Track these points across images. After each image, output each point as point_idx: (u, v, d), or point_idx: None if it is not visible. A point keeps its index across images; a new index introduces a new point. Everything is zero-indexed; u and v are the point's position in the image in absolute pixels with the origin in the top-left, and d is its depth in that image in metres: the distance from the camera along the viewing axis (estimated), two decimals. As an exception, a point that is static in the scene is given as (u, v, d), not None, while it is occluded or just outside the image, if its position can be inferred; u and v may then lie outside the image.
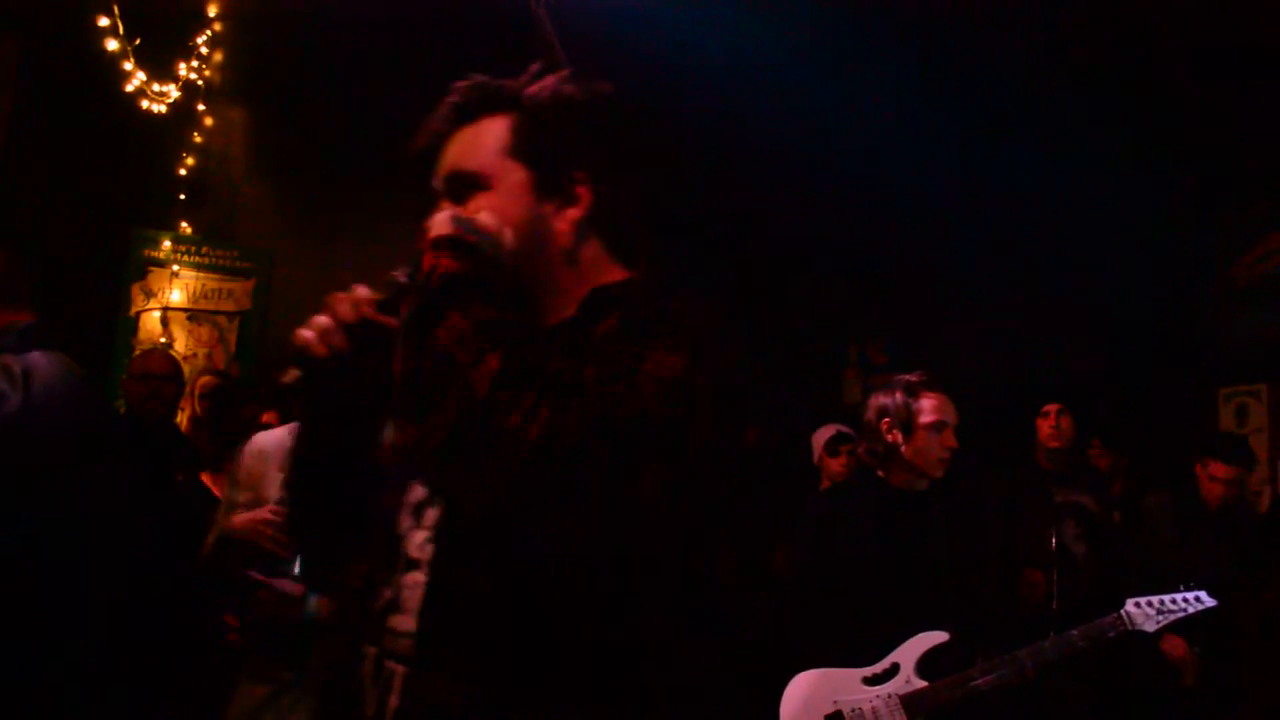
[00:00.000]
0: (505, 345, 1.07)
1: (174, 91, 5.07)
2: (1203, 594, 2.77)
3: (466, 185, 1.29)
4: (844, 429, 4.61)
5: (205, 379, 4.51)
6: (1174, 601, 2.73)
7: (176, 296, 5.16)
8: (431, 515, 1.25)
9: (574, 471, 1.03)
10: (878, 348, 6.39)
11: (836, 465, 4.58)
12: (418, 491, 1.28)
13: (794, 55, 4.84)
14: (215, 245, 5.26)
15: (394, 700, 1.16)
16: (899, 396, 2.93)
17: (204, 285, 5.22)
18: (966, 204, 5.55)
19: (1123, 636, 2.71)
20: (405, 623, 1.20)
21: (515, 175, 1.28)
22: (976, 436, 3.20)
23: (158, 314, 5.12)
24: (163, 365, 4.20)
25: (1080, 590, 3.94)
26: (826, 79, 4.87)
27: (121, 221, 5.12)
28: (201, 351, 5.16)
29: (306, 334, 1.26)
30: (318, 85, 5.37)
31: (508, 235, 1.25)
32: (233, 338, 5.21)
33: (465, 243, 1.20)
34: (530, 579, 1.13)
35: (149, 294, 5.13)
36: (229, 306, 5.24)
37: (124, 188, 5.07)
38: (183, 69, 5.14)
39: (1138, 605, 2.72)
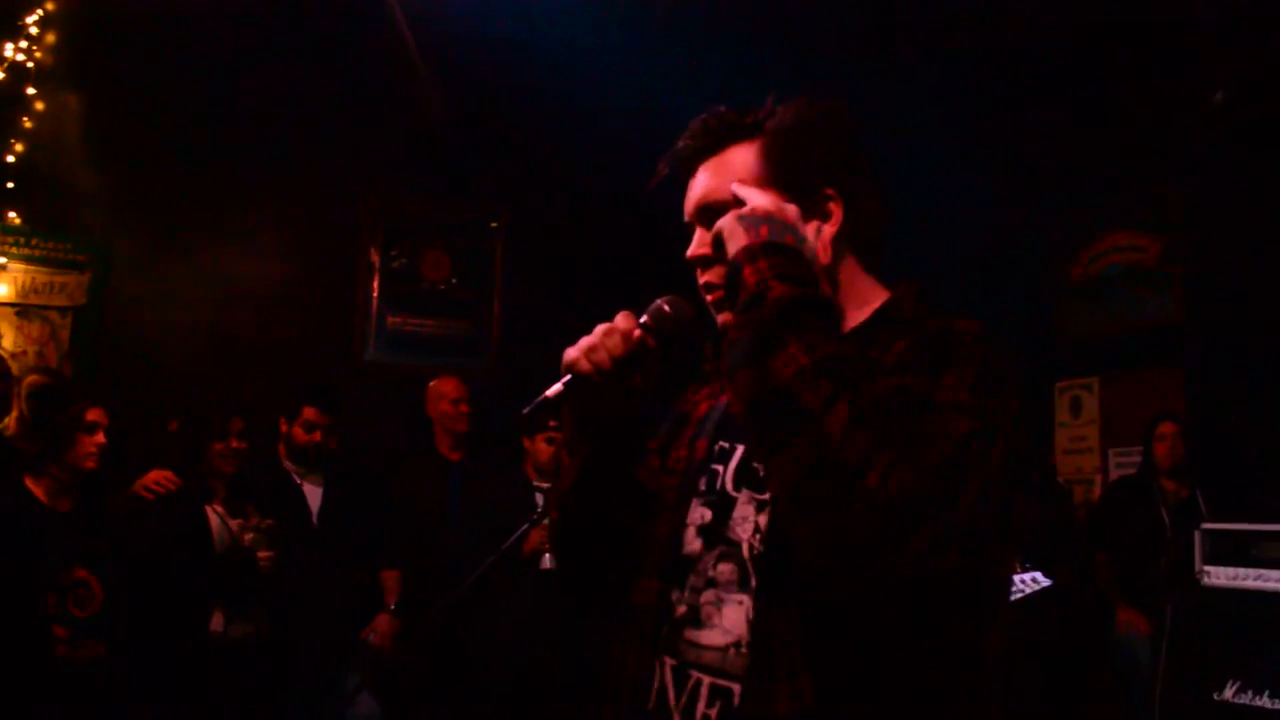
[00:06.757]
0: (851, 389, 1.05)
1: (-1, 73, 4.79)
2: (1038, 574, 2.88)
3: (721, 214, 1.27)
4: None
5: (32, 378, 4.25)
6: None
7: (4, 290, 4.86)
8: (721, 537, 1.28)
9: (916, 529, 1.02)
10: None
11: None
12: (701, 513, 1.31)
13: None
14: (46, 237, 4.96)
15: (702, 707, 1.21)
16: None
17: (34, 279, 4.93)
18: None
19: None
20: (708, 637, 1.25)
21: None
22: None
23: (-18, 309, 4.84)
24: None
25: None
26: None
27: (-59, 211, 4.81)
28: (31, 349, 4.88)
29: (573, 353, 1.32)
30: (159, 70, 5.15)
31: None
32: (65, 334, 4.94)
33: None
34: (855, 612, 1.14)
35: (-28, 288, 4.84)
36: (61, 301, 4.96)
37: (-58, 175, 4.76)
38: (10, 50, 4.85)
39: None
